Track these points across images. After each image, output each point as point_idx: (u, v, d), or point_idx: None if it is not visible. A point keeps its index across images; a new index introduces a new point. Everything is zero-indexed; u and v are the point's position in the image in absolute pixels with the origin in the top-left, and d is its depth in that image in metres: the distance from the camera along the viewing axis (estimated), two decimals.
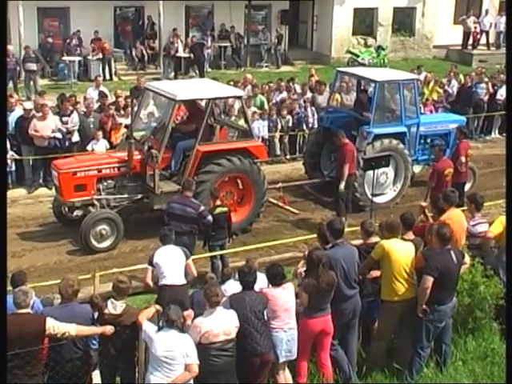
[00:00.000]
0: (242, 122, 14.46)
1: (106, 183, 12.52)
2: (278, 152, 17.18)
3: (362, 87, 15.60)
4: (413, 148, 14.96)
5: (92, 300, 7.40)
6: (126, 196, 12.65)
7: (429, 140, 15.37)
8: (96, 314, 7.23)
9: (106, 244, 12.25)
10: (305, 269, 7.95)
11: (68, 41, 23.65)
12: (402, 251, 8.13)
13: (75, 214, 12.54)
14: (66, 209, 12.75)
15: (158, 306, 7.43)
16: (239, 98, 13.82)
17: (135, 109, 13.45)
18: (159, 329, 6.85)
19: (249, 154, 12.82)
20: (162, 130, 12.88)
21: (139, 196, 12.72)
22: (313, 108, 17.52)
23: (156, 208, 12.41)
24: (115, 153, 13.06)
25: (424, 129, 15.17)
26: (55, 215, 13.13)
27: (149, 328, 6.91)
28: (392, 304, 8.18)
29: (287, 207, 14.29)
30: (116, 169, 12.56)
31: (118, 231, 12.26)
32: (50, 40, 23.79)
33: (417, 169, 15.52)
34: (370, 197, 13.41)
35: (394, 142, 14.28)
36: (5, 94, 13.44)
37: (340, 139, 13.31)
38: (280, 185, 14.41)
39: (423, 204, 9.71)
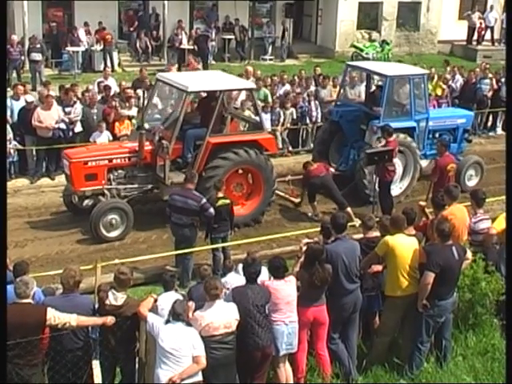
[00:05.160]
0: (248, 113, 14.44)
1: (116, 173, 12.57)
2: (281, 145, 17.14)
3: (376, 82, 15.51)
4: (421, 143, 14.94)
5: (100, 289, 7.40)
6: (136, 186, 12.70)
7: (437, 135, 15.30)
8: (97, 305, 7.24)
9: (115, 233, 12.30)
10: (303, 258, 7.92)
11: (73, 31, 23.59)
12: (406, 246, 8.12)
13: (85, 203, 12.55)
14: (76, 198, 12.77)
15: (155, 296, 7.43)
16: (250, 90, 13.78)
17: (146, 99, 13.37)
18: (166, 322, 6.85)
19: (259, 146, 12.83)
20: (172, 121, 12.90)
21: (149, 186, 12.78)
22: (316, 102, 17.48)
23: (166, 198, 12.39)
24: (126, 143, 13.11)
25: (433, 123, 15.13)
26: (65, 204, 13.15)
27: (156, 321, 6.91)
28: (396, 300, 8.17)
29: (287, 196, 14.25)
30: (127, 159, 12.60)
31: (128, 221, 12.31)
32: (54, 30, 23.74)
33: (424, 163, 15.44)
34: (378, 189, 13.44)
35: (402, 135, 14.18)
36: (4, 84, 13.39)
37: (385, 135, 13.32)
38: (289, 177, 14.36)
39: (422, 203, 9.69)
